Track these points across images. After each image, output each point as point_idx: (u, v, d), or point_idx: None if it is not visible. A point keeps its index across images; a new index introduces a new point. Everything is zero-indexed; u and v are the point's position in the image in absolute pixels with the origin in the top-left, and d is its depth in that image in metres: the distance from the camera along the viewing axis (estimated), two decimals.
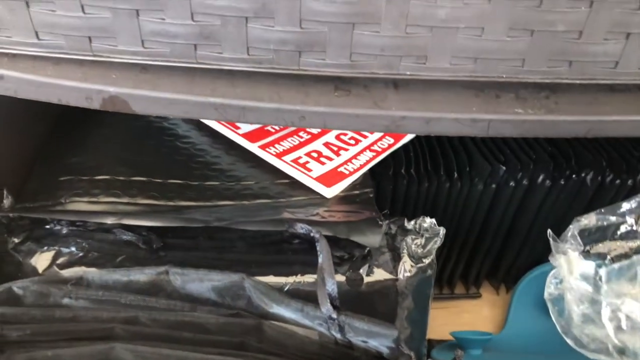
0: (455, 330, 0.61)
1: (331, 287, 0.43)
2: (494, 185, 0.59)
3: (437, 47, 0.40)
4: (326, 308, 0.43)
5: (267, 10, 0.37)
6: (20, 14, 0.38)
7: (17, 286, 0.43)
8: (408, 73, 0.41)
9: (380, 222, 0.50)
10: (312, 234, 0.46)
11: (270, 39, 0.39)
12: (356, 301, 0.47)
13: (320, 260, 0.45)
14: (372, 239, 0.48)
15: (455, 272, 0.72)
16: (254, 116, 0.42)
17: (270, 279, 0.47)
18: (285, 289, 0.47)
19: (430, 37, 0.39)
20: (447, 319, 0.71)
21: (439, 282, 0.73)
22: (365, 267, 0.49)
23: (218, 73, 0.41)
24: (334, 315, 0.43)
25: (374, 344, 0.44)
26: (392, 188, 0.58)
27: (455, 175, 0.58)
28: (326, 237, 0.46)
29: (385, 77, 0.42)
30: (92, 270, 0.46)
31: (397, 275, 0.50)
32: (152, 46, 0.40)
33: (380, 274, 0.50)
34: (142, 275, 0.45)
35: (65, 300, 0.44)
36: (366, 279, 0.49)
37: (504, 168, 0.57)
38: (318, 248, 0.45)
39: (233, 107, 0.41)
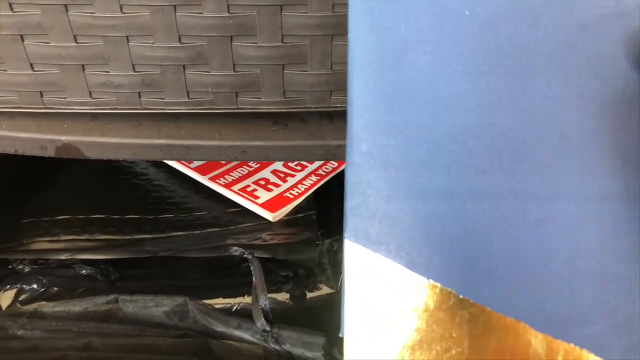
0: None
1: (264, 302, 0.46)
2: None
3: None
4: (260, 322, 0.45)
5: (202, 58, 0.40)
6: None
7: None
8: (339, 105, 0.44)
9: (317, 242, 0.52)
10: (245, 256, 0.48)
11: (208, 83, 0.41)
12: (302, 316, 0.49)
13: (254, 279, 0.47)
14: (309, 258, 0.50)
15: None
16: (198, 154, 0.44)
17: (220, 301, 0.49)
18: (234, 310, 0.49)
19: None
20: None
21: None
22: (309, 283, 0.52)
23: (162, 117, 0.43)
24: (268, 328, 0.45)
25: (309, 353, 0.46)
26: (339, 209, 0.60)
27: None
28: (269, 258, 0.49)
29: (320, 110, 0.44)
30: (45, 303, 0.48)
31: (338, 289, 0.52)
32: (100, 96, 0.42)
33: (324, 289, 0.52)
34: (93, 304, 0.47)
35: (21, 332, 0.45)
36: (310, 295, 0.51)
37: None
38: (252, 268, 0.48)
39: (178, 147, 0.43)
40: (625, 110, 0.26)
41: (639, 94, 0.26)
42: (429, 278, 0.27)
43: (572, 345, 0.27)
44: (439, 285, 0.27)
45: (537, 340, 0.27)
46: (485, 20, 0.26)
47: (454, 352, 0.27)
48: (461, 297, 0.27)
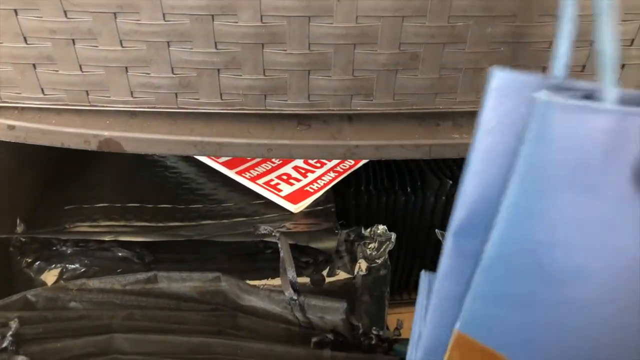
0: None
1: (291, 274, 0.48)
2: (443, 198, 0.63)
3: (381, 86, 0.43)
4: (289, 292, 0.48)
5: (235, 63, 0.41)
6: (28, 74, 0.42)
7: (30, 294, 0.47)
8: (359, 108, 0.45)
9: (336, 231, 0.53)
10: (273, 234, 0.50)
11: (239, 86, 0.43)
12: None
13: (281, 254, 0.49)
14: (328, 245, 0.52)
15: None
16: (228, 150, 0.46)
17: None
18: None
19: (375, 78, 0.43)
20: None
21: (406, 288, 0.75)
22: (327, 269, 0.53)
23: (196, 115, 0.45)
24: (295, 297, 0.48)
25: (329, 318, 0.48)
26: (354, 203, 0.62)
27: (409, 189, 0.62)
28: (292, 245, 0.50)
29: (340, 112, 0.45)
30: (93, 278, 0.50)
31: (354, 274, 0.54)
32: (140, 95, 0.44)
33: (340, 275, 0.54)
34: (134, 279, 0.49)
35: (72, 304, 0.48)
36: (328, 279, 0.53)
37: (451, 182, 0.61)
38: (279, 245, 0.50)
39: (210, 143, 0.45)
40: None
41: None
42: None
43: None
44: None
45: None
46: None
47: None
48: None
